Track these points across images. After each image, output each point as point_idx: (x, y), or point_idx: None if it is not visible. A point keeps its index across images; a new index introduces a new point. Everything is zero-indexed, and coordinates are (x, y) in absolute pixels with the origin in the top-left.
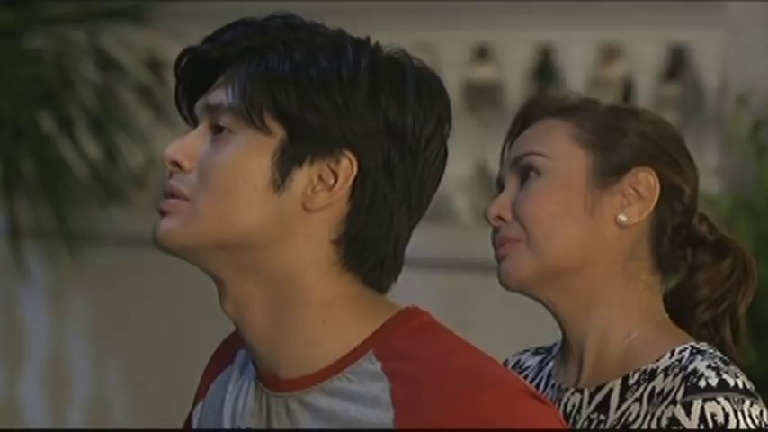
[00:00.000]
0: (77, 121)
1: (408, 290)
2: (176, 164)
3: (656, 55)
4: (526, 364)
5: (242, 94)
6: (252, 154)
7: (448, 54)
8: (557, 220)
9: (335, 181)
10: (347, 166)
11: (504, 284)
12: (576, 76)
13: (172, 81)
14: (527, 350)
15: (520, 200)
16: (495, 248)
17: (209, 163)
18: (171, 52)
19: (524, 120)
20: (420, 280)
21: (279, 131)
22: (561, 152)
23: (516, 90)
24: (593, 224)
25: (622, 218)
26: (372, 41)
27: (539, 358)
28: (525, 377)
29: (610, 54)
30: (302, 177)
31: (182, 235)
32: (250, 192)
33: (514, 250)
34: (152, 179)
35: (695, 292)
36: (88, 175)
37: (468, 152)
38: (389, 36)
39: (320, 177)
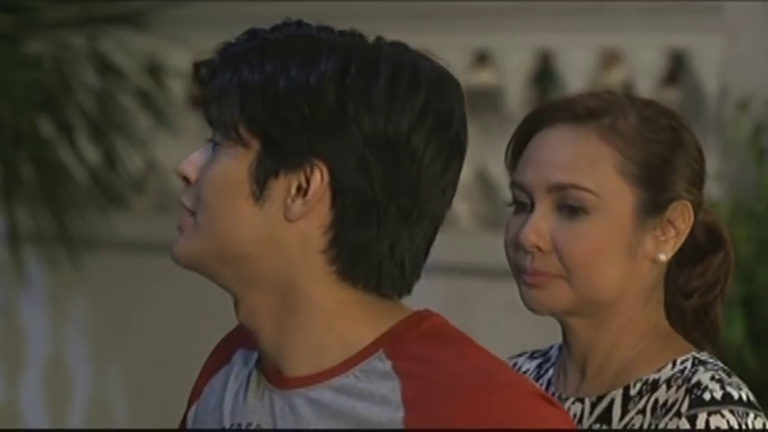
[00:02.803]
0: (77, 125)
1: (408, 295)
2: (185, 178)
3: (655, 60)
4: (523, 369)
5: (218, 108)
6: (232, 167)
7: (448, 59)
8: (602, 263)
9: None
10: (317, 174)
11: (532, 310)
12: (576, 81)
13: (172, 86)
14: (522, 353)
15: (566, 239)
16: (523, 273)
17: (202, 177)
18: (171, 57)
19: (532, 124)
20: (420, 285)
21: (255, 143)
22: (610, 189)
23: (516, 95)
24: (631, 262)
25: (662, 257)
26: (358, 37)
27: (536, 362)
28: None
29: (610, 59)
30: (280, 187)
31: (185, 251)
32: (231, 204)
33: (552, 284)
34: (152, 184)
35: (689, 283)
36: (88, 180)
37: (468, 157)
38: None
39: (297, 187)
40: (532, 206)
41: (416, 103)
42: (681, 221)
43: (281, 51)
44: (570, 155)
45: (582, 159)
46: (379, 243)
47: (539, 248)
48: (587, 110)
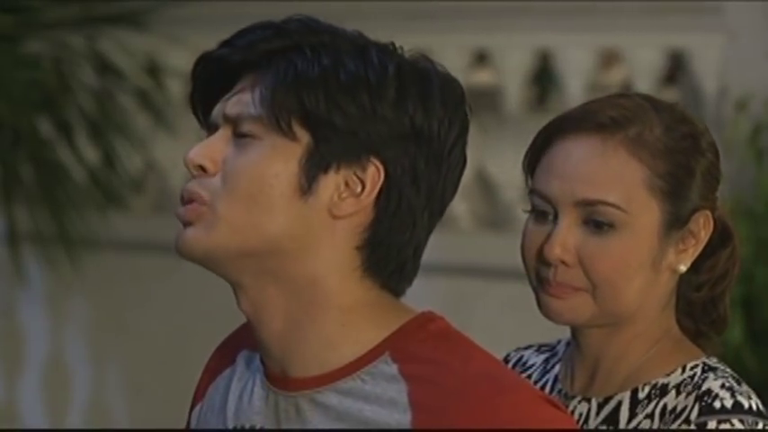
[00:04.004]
0: (76, 125)
1: (407, 295)
2: (201, 167)
3: (655, 60)
4: (530, 362)
5: (270, 100)
6: (279, 159)
7: (447, 59)
8: (627, 278)
9: (363, 188)
10: (374, 174)
11: (552, 320)
12: (575, 81)
13: (171, 86)
14: (530, 346)
15: (592, 254)
16: (544, 282)
17: (234, 167)
18: (170, 57)
19: (552, 132)
20: (419, 285)
21: (305, 136)
22: (637, 205)
23: (515, 95)
24: (653, 274)
25: (682, 268)
26: (391, 46)
27: (543, 357)
28: (529, 376)
29: (609, 59)
30: (329, 184)
31: (208, 243)
32: (276, 197)
33: (575, 296)
34: (151, 184)
35: (699, 276)
36: (87, 180)
37: (468, 157)
38: (389, 40)
39: (347, 184)
40: (555, 216)
41: (464, 113)
42: (702, 231)
43: (334, 45)
44: (598, 169)
45: (609, 174)
46: (409, 247)
47: (563, 262)
48: (612, 120)
